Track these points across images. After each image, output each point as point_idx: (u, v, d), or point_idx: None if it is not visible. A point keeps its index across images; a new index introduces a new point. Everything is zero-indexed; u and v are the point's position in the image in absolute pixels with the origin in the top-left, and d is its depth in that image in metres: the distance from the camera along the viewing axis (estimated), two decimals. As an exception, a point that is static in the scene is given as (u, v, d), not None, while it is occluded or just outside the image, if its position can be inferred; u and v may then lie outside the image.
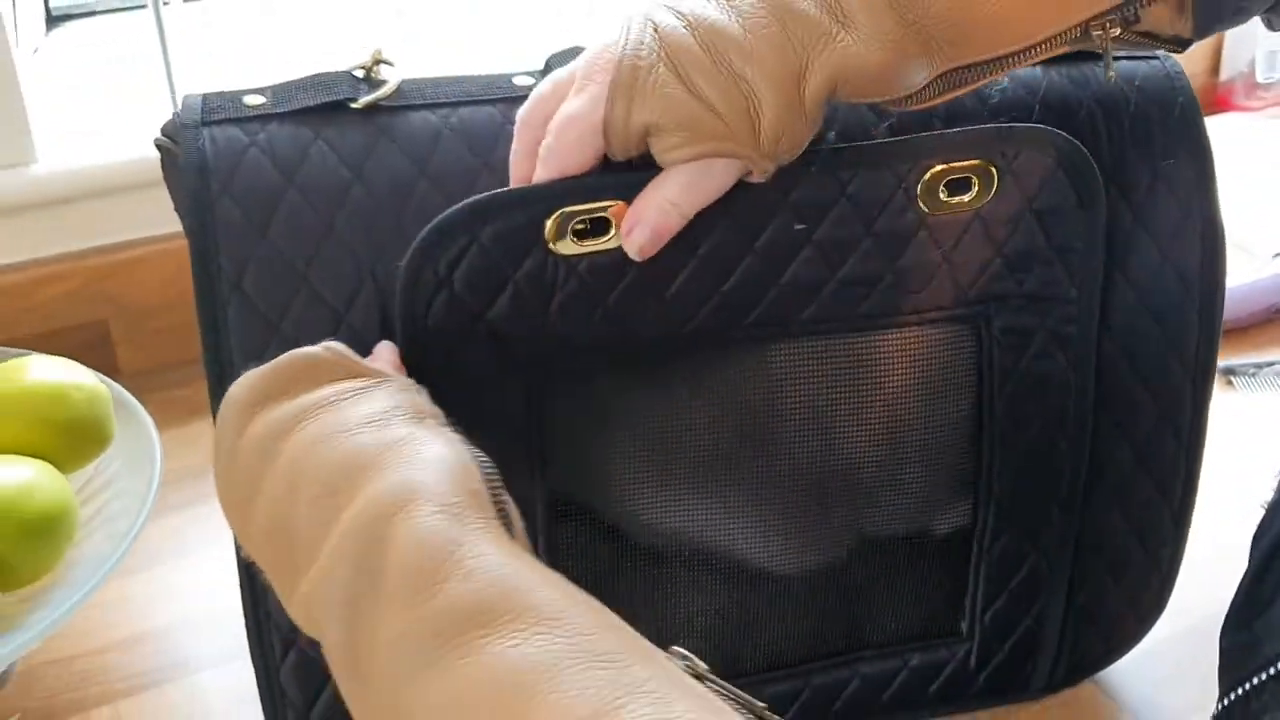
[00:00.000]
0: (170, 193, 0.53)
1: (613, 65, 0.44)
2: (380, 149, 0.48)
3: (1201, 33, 0.50)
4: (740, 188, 0.47)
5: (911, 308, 0.53)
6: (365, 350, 0.46)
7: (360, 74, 0.50)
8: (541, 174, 0.46)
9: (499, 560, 0.34)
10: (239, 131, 0.47)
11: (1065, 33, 0.46)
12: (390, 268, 0.46)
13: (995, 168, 0.52)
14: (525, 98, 0.51)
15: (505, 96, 0.51)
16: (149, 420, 0.68)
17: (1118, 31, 0.47)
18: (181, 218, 0.54)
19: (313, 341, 0.46)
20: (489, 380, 0.47)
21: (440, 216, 0.45)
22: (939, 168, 0.51)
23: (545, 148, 0.46)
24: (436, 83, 0.51)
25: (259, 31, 1.03)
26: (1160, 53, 0.60)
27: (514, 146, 0.48)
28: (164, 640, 0.70)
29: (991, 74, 0.48)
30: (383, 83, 0.50)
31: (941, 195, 0.51)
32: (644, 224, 0.46)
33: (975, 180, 0.52)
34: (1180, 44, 0.51)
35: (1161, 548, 0.63)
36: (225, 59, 0.99)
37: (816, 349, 0.53)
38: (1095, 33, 0.47)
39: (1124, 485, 0.60)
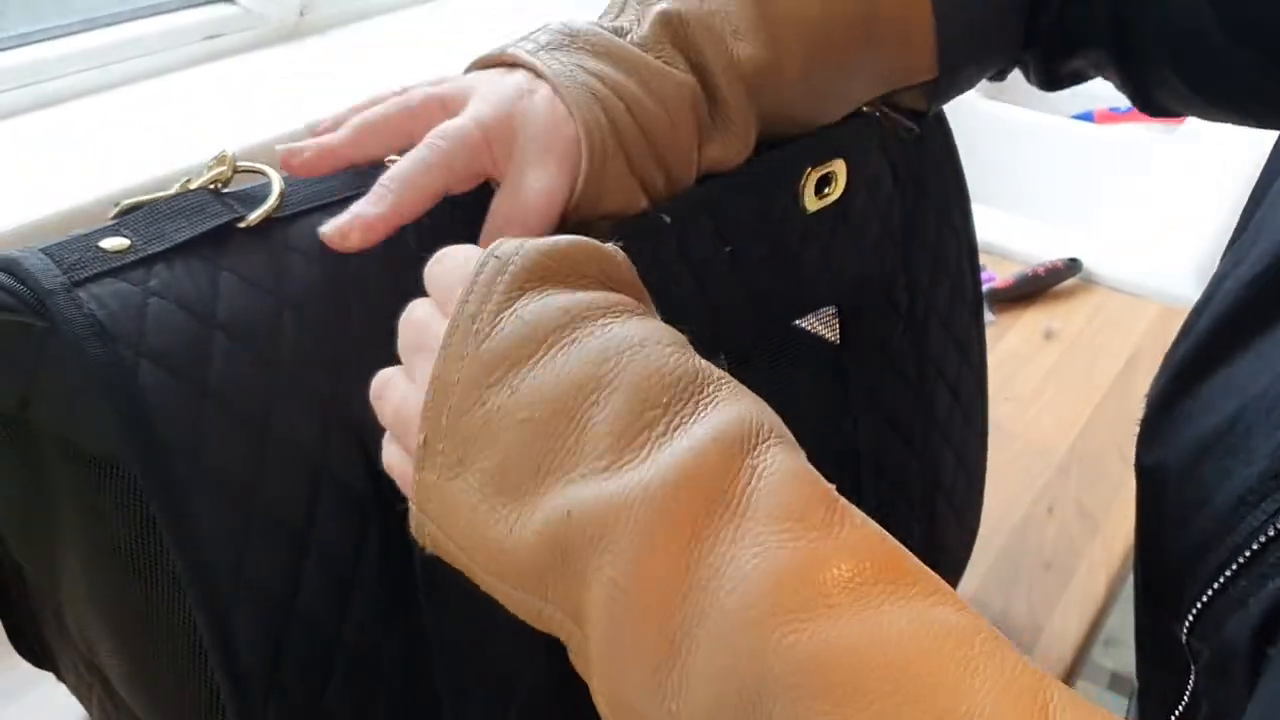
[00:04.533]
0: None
1: (574, 146, 0.43)
2: (293, 266, 0.40)
3: (933, 107, 0.60)
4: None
5: (796, 305, 0.55)
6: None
7: (215, 188, 0.42)
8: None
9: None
10: (124, 284, 0.38)
11: None
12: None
13: (847, 162, 0.54)
14: None
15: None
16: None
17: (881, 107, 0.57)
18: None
19: (295, 504, 0.39)
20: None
21: None
22: (809, 169, 0.52)
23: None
24: (310, 181, 0.44)
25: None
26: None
27: (423, 175, 0.42)
28: None
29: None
30: (251, 193, 0.42)
31: (814, 195, 0.53)
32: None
33: (835, 175, 0.54)
34: (921, 117, 0.60)
35: (976, 468, 0.70)
36: None
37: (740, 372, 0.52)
38: (865, 108, 0.55)
39: (946, 423, 0.66)
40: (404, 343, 0.37)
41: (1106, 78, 0.63)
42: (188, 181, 0.43)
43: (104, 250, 0.38)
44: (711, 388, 0.33)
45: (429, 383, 0.34)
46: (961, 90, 0.61)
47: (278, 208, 0.41)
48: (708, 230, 0.48)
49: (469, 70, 0.47)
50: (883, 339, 0.60)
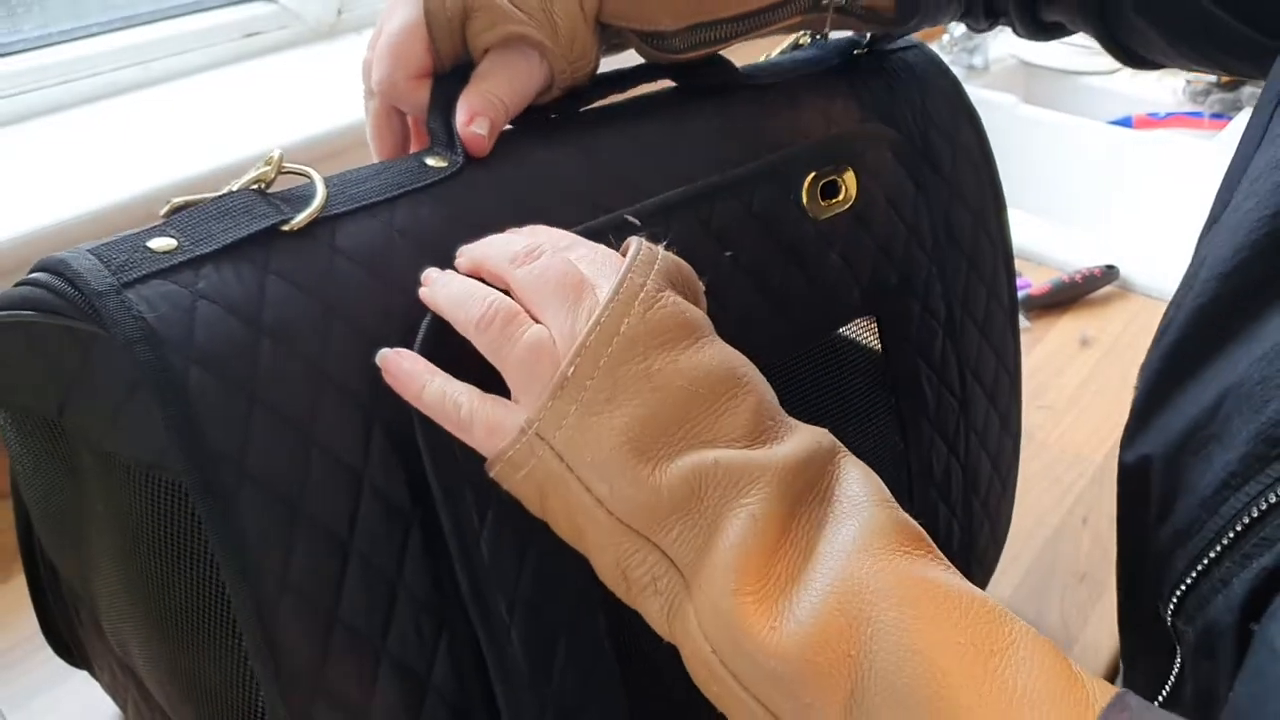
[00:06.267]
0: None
1: None
2: (340, 270, 0.40)
3: (903, 17, 0.57)
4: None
5: (830, 314, 0.54)
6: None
7: (260, 188, 0.42)
8: (375, 96, 0.50)
9: None
10: (172, 286, 0.38)
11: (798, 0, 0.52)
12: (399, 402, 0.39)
13: (854, 168, 0.54)
14: (444, 179, 0.45)
15: (431, 181, 0.45)
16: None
17: (843, 1, 0.55)
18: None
19: (339, 510, 0.39)
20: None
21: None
22: (812, 175, 0.52)
23: (375, 73, 0.49)
24: (351, 179, 0.44)
25: None
26: (918, 40, 0.65)
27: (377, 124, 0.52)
28: None
29: (736, 36, 0.53)
30: (295, 194, 0.42)
31: (820, 200, 0.53)
32: (483, 116, 0.47)
33: (842, 182, 0.53)
34: (887, 26, 0.57)
35: (1009, 471, 0.69)
36: None
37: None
38: (823, 1, 0.53)
39: (984, 426, 0.65)
40: (534, 280, 0.40)
41: (1085, 30, 0.62)
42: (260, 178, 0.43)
43: (152, 250, 0.38)
44: (784, 415, 0.41)
45: (591, 326, 0.38)
46: (931, 12, 0.59)
47: (322, 209, 0.41)
48: (693, 231, 0.48)
49: None
50: (924, 347, 0.59)
